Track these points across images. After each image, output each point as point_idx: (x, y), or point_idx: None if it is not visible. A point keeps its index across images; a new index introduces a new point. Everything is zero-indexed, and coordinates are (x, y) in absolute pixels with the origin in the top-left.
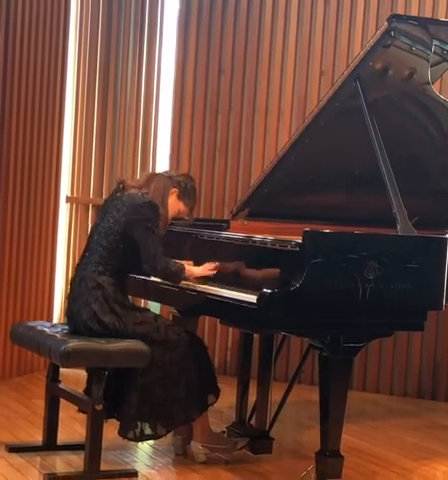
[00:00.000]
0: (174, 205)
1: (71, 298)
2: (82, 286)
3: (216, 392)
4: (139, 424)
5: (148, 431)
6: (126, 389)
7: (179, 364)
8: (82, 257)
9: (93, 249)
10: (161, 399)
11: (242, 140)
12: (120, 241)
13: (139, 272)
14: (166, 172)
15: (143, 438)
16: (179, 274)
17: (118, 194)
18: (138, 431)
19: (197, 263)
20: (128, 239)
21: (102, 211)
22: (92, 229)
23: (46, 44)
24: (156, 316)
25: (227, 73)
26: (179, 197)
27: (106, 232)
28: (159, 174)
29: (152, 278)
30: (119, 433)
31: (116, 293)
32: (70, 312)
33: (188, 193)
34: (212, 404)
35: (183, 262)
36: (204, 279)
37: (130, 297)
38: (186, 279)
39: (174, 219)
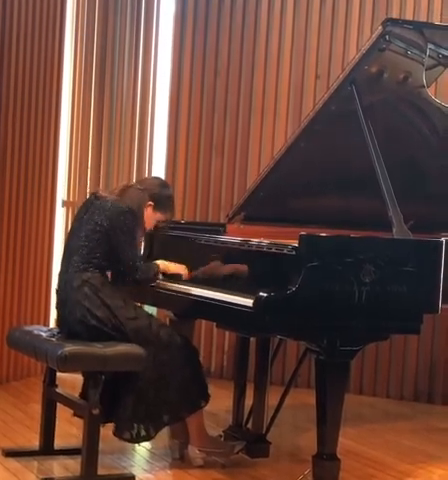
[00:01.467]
0: (151, 217)
1: (60, 304)
2: (68, 288)
3: (206, 397)
4: (135, 426)
5: (143, 432)
6: (122, 392)
7: (170, 365)
8: (62, 263)
9: (72, 252)
10: (153, 400)
11: (238, 141)
12: (102, 242)
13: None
14: (139, 183)
15: (139, 439)
16: (155, 277)
17: (96, 202)
18: (135, 432)
19: (193, 267)
20: (110, 240)
21: (77, 219)
22: (70, 234)
23: (42, 46)
24: (149, 315)
25: (223, 75)
26: (155, 209)
27: (86, 235)
28: (133, 186)
29: None
30: (114, 433)
31: (104, 286)
32: (62, 317)
33: (163, 203)
34: (201, 408)
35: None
36: (177, 277)
37: None
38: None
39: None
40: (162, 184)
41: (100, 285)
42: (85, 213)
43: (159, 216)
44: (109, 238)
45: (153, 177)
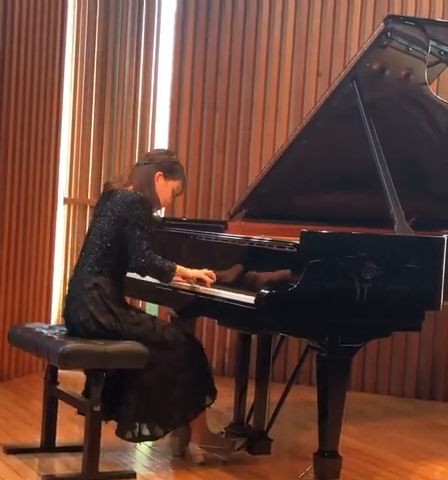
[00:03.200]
0: (164, 188)
1: (68, 299)
2: (78, 287)
3: (213, 394)
4: (137, 425)
5: (146, 432)
6: (124, 390)
7: (175, 365)
8: (79, 258)
9: (89, 250)
10: (158, 400)
11: (240, 138)
12: (115, 240)
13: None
14: (144, 158)
15: (141, 439)
16: (167, 272)
17: (110, 195)
18: (136, 432)
19: (194, 264)
20: (121, 237)
21: (95, 212)
22: (89, 230)
23: (43, 44)
24: (153, 317)
25: (224, 72)
26: (166, 177)
27: (101, 233)
28: (138, 164)
29: (146, 278)
30: (117, 433)
31: (113, 293)
32: (67, 313)
33: (172, 168)
34: (209, 405)
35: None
36: (200, 281)
37: (128, 298)
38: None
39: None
40: (166, 152)
41: (109, 291)
42: (102, 208)
43: (172, 184)
44: (121, 232)
45: (156, 148)
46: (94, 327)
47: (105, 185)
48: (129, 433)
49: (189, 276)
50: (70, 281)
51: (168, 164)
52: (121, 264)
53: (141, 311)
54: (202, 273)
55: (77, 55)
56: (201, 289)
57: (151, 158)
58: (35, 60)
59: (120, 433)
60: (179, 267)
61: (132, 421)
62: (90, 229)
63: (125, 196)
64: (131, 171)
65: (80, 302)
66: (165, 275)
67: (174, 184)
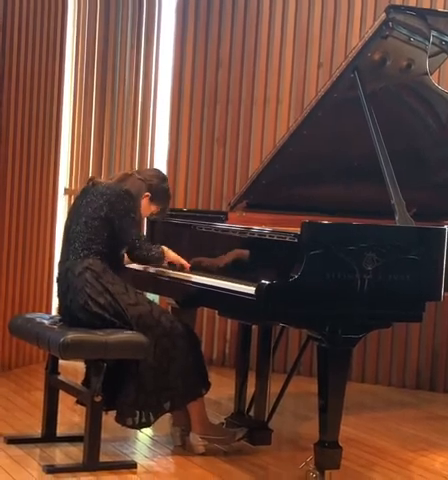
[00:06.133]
0: (146, 208)
1: (61, 292)
2: (69, 276)
3: (207, 385)
4: (137, 412)
5: (143, 419)
6: (123, 379)
7: (171, 352)
8: (62, 252)
9: (72, 239)
10: (153, 387)
11: (240, 131)
12: (103, 226)
13: (120, 258)
14: (139, 173)
15: (141, 425)
16: (160, 258)
17: (93, 188)
18: (137, 419)
19: (195, 254)
20: (111, 225)
21: (75, 206)
22: (66, 225)
23: (44, 38)
24: (150, 301)
25: (225, 65)
26: (151, 200)
27: (86, 221)
28: (132, 175)
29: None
30: (117, 420)
31: (105, 272)
32: (64, 305)
33: (160, 196)
34: (201, 395)
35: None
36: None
37: None
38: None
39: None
40: (161, 177)
41: (101, 271)
42: (83, 199)
43: (154, 208)
44: (110, 222)
45: (153, 169)
46: (95, 308)
47: (89, 180)
48: (129, 420)
49: (170, 258)
50: (58, 276)
51: (158, 190)
52: (110, 248)
53: (139, 293)
54: (179, 259)
55: (78, 49)
56: (201, 280)
57: (145, 177)
58: (35, 53)
59: (120, 420)
60: (165, 248)
61: (132, 409)
62: (69, 221)
63: (112, 187)
64: (122, 176)
65: (75, 288)
66: (158, 261)
67: (155, 209)
